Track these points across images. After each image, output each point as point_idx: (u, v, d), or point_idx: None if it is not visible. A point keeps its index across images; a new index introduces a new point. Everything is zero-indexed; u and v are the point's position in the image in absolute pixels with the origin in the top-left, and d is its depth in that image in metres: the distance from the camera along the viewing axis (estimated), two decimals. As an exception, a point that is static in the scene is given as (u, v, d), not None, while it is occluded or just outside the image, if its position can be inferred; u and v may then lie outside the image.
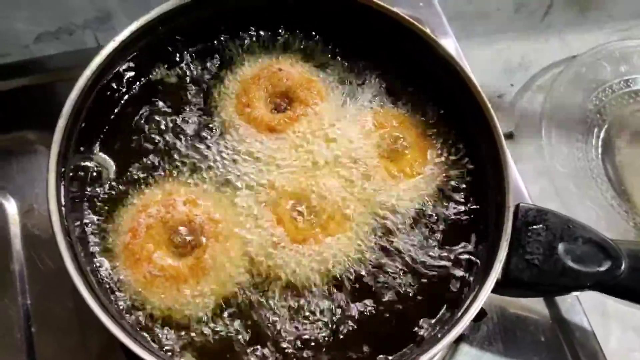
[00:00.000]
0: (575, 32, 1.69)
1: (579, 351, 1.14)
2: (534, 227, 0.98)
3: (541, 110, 1.49)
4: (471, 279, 0.99)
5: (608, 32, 1.69)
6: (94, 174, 1.02)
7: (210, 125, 1.07)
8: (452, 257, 1.02)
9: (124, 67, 1.06)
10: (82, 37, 1.40)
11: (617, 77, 1.56)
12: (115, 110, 1.07)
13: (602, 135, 1.50)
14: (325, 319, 0.96)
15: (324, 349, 0.94)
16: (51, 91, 1.26)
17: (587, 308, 1.19)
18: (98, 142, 1.04)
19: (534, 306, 1.16)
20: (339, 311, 0.96)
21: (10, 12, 1.33)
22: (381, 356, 0.94)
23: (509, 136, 1.52)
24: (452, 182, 1.07)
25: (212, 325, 0.94)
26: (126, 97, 1.08)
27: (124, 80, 1.07)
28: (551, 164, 1.43)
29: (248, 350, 0.93)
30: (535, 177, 1.43)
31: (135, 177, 1.02)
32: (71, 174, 0.98)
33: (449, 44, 1.41)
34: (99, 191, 1.01)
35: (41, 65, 1.32)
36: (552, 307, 1.16)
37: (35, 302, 1.10)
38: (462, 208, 1.05)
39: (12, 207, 1.17)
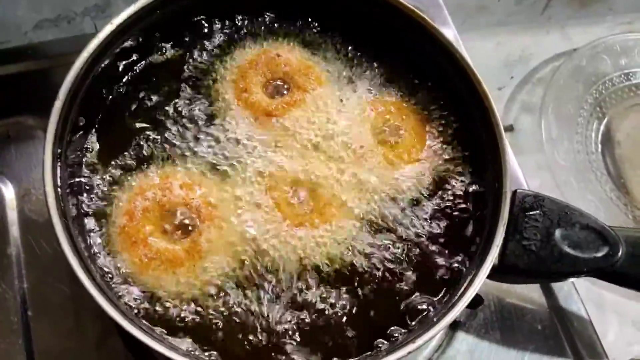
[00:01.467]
0: (576, 25, 1.69)
1: (576, 339, 1.14)
2: (531, 212, 0.98)
3: (541, 103, 1.49)
4: (468, 264, 0.99)
5: (609, 26, 1.69)
6: (91, 156, 1.01)
7: (208, 110, 1.07)
8: (448, 242, 1.01)
9: (120, 50, 1.05)
10: (81, 24, 1.41)
11: (618, 71, 1.56)
12: (113, 93, 1.06)
13: (602, 128, 1.50)
14: (320, 302, 0.95)
15: (317, 332, 0.94)
16: (49, 77, 1.26)
17: (584, 301, 1.19)
18: (95, 124, 1.03)
19: (531, 295, 1.16)
20: (334, 295, 0.96)
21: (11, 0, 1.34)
22: (379, 340, 0.94)
23: (509, 129, 1.52)
24: (450, 168, 1.07)
25: (208, 308, 0.93)
26: (123, 79, 1.08)
27: (121, 63, 1.07)
28: (551, 157, 1.43)
29: (242, 333, 0.93)
30: (535, 170, 1.44)
31: (132, 160, 1.01)
32: (67, 156, 0.97)
33: (449, 34, 1.40)
34: (95, 174, 1.00)
35: (40, 51, 1.32)
36: (550, 296, 1.16)
37: (32, 286, 1.10)
38: (460, 194, 1.05)
39: (9, 192, 1.17)
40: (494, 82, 1.58)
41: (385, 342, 0.93)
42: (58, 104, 0.94)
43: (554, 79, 1.52)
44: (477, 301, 1.04)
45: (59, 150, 0.94)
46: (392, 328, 0.94)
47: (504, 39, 1.66)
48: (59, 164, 0.94)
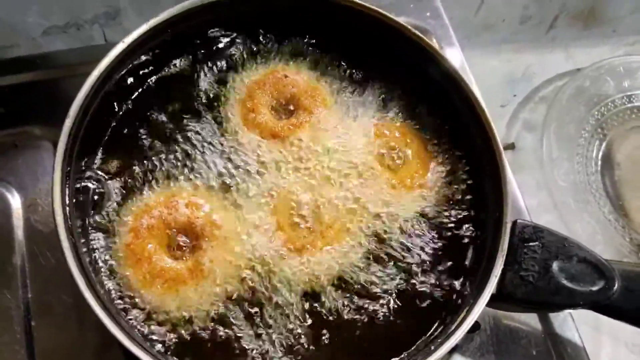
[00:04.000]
0: (579, 46, 1.69)
1: (569, 366, 1.15)
2: (530, 244, 0.99)
3: (543, 123, 1.50)
4: (466, 292, 1.00)
5: (613, 47, 1.70)
6: (99, 173, 1.02)
7: (215, 129, 1.08)
8: (448, 269, 1.03)
9: (131, 68, 1.06)
10: (90, 32, 1.41)
11: (620, 93, 1.56)
12: (122, 111, 1.07)
13: (602, 149, 1.51)
14: (319, 327, 0.97)
15: (314, 354, 0.95)
16: (58, 87, 1.26)
17: (579, 322, 1.20)
18: (104, 142, 1.05)
19: (527, 320, 1.17)
20: (331, 320, 0.97)
21: (21, 5, 1.34)
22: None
23: (510, 147, 1.53)
24: (451, 195, 1.08)
25: (209, 327, 0.95)
26: (132, 96, 1.09)
27: (131, 81, 1.08)
28: (551, 177, 1.44)
29: (242, 353, 0.94)
30: (534, 189, 1.44)
31: (139, 178, 1.03)
32: (76, 173, 0.99)
33: (455, 54, 1.41)
34: (102, 190, 1.01)
35: (48, 61, 1.32)
36: (545, 322, 1.17)
37: (36, 296, 1.10)
38: (460, 221, 1.06)
39: (15, 201, 1.17)
40: (496, 100, 1.59)
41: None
42: (68, 123, 0.95)
43: (557, 98, 1.52)
44: (473, 326, 1.05)
45: (68, 168, 0.95)
46: (390, 355, 0.96)
47: (508, 57, 1.66)
48: (67, 181, 0.95)
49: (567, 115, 1.51)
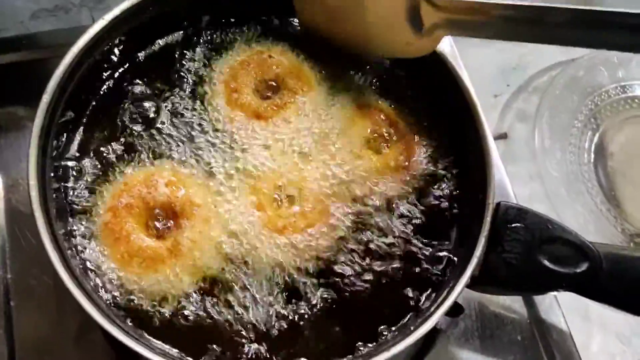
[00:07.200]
0: (574, 35, 1.68)
1: (555, 352, 1.14)
2: (514, 225, 0.98)
3: (536, 112, 1.49)
4: (447, 273, 0.99)
5: (608, 37, 1.69)
6: (78, 150, 1.02)
7: (197, 109, 1.07)
8: (429, 250, 1.02)
9: (112, 45, 1.06)
10: (79, 15, 1.40)
11: (614, 83, 1.55)
12: (102, 89, 1.07)
13: (595, 140, 1.50)
14: (298, 306, 0.96)
15: (293, 335, 0.95)
16: (43, 68, 1.25)
17: (568, 311, 1.19)
18: (83, 119, 1.04)
19: (513, 305, 1.16)
20: (312, 299, 0.96)
21: (9, -12, 1.34)
22: (356, 346, 0.94)
23: (503, 137, 1.52)
24: (436, 177, 1.07)
25: (187, 306, 0.94)
26: (114, 76, 1.08)
27: (112, 59, 1.07)
28: (543, 167, 1.43)
29: (222, 332, 0.93)
30: (526, 179, 1.43)
31: (118, 156, 1.02)
32: (54, 150, 0.98)
33: (444, 41, 1.39)
34: (81, 169, 1.00)
35: (34, 42, 1.32)
36: (531, 307, 1.16)
37: (16, 276, 1.10)
38: (444, 203, 1.06)
39: (-3, 181, 1.17)
40: (490, 89, 1.58)
41: (362, 350, 0.93)
42: (46, 99, 0.94)
43: (550, 88, 1.51)
44: (458, 310, 1.04)
45: (45, 144, 0.95)
46: (369, 334, 0.95)
47: (501, 46, 1.64)
48: (45, 158, 0.94)
49: (561, 105, 1.50)
